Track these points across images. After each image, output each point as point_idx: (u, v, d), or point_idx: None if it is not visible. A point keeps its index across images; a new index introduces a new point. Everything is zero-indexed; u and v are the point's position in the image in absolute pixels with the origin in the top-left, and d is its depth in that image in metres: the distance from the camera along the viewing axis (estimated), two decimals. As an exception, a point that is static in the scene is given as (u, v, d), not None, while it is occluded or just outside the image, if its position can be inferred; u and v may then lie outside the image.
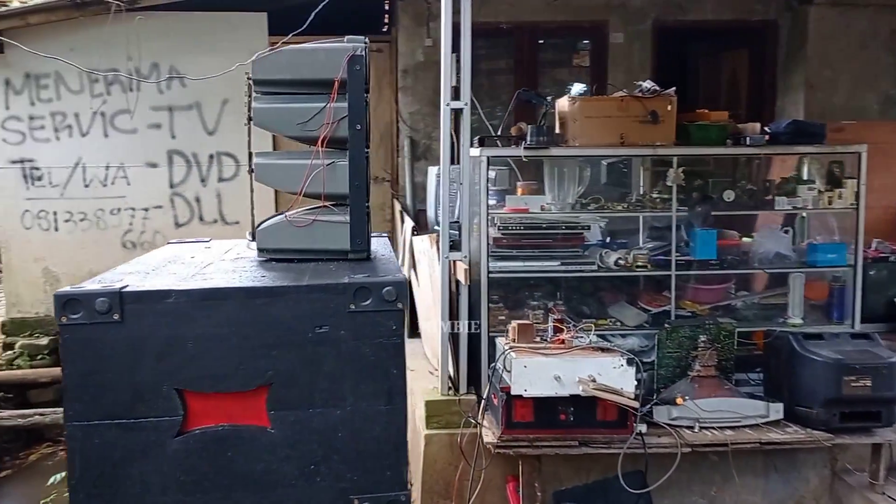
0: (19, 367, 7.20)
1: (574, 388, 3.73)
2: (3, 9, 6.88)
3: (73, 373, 1.70)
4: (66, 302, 1.69)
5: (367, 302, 1.78)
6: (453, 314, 4.43)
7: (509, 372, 3.78)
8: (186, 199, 7.57)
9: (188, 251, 2.48)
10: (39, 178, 7.36)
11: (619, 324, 4.62)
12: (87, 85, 7.31)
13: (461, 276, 4.27)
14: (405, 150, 7.80)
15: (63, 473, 4.98)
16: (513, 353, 3.81)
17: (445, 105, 4.25)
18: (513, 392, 3.76)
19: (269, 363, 1.77)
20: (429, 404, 4.39)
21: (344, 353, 1.78)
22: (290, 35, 6.79)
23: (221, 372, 1.76)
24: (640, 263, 4.55)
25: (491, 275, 4.38)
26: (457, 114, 4.24)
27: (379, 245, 2.51)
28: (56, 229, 7.42)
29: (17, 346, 7.34)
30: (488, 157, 4.34)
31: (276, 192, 7.67)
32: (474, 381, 4.42)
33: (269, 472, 1.78)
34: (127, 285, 1.75)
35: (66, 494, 1.73)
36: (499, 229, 4.49)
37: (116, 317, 1.70)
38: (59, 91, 7.30)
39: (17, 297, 7.52)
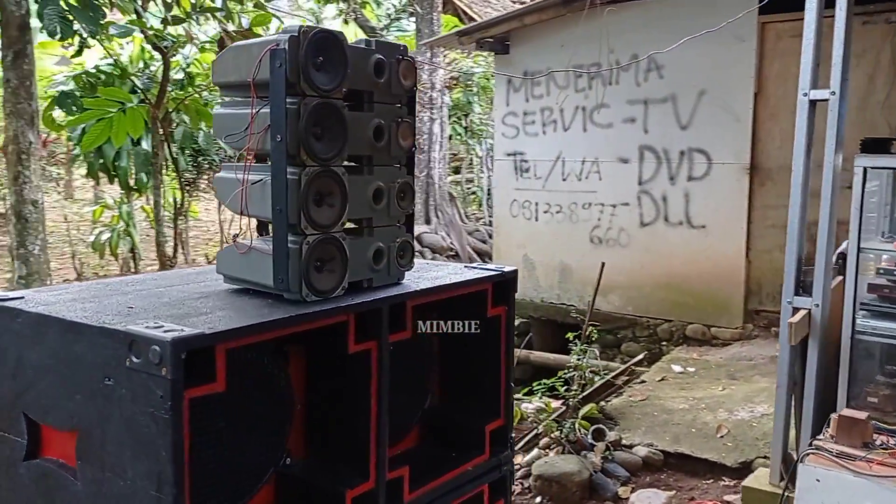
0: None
1: (894, 533, 2.41)
2: (505, 12, 7.45)
3: (-36, 375, 1.77)
4: (-46, 307, 1.75)
5: (139, 360, 1.42)
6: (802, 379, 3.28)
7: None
8: (653, 197, 7.17)
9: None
10: (526, 171, 7.84)
11: None
12: (572, 80, 7.46)
13: (795, 331, 3.10)
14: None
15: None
16: (810, 456, 2.63)
17: (803, 95, 3.11)
18: (796, 511, 2.61)
19: (74, 407, 1.56)
20: (746, 492, 3.35)
21: (125, 416, 1.47)
22: (740, 13, 5.82)
23: (47, 404, 1.62)
24: None
25: (859, 335, 3.09)
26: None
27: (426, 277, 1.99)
28: (536, 219, 7.83)
29: (493, 322, 8.01)
30: (865, 168, 3.03)
31: (749, 193, 6.75)
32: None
33: (72, 528, 1.59)
34: (15, 298, 1.74)
35: None
36: (880, 272, 3.11)
37: (-12, 328, 1.71)
38: (549, 87, 7.62)
39: (502, 279, 8.17)
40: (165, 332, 1.42)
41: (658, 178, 7.11)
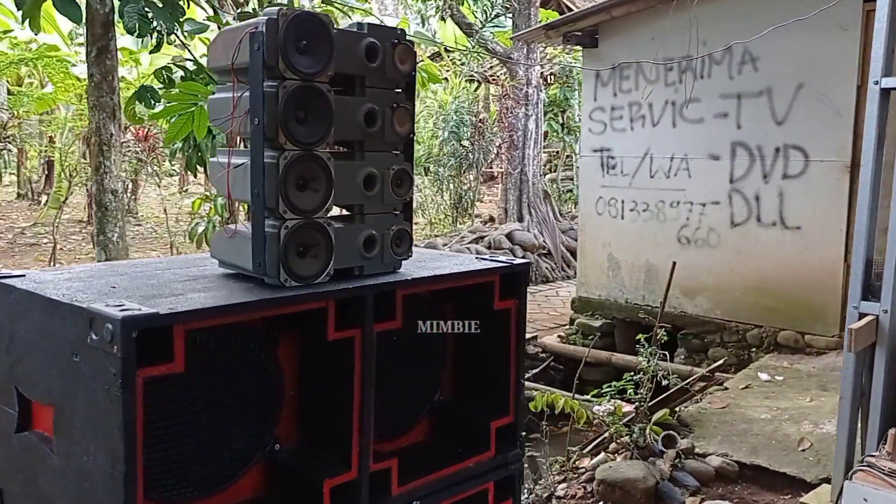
0: (573, 343, 7.71)
1: (948, 564, 2.19)
2: (592, 5, 7.27)
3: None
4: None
5: (97, 337, 1.45)
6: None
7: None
8: (745, 196, 6.83)
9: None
10: (613, 167, 7.63)
11: None
12: (662, 74, 7.20)
13: (856, 338, 2.87)
14: None
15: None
16: (859, 474, 2.42)
17: (873, 83, 2.87)
18: (841, 533, 2.41)
19: (51, 382, 1.61)
20: (805, 508, 3.13)
21: (89, 392, 1.49)
22: None
23: (34, 379, 1.68)
24: None
25: (934, 346, 2.83)
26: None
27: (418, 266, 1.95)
28: (622, 217, 7.61)
29: (575, 322, 7.87)
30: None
31: (850, 192, 6.32)
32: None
33: (47, 499, 1.64)
34: (16, 276, 1.81)
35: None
36: (960, 277, 2.83)
37: (-12, 303, 1.79)
38: (638, 81, 7.38)
39: (586, 278, 8.01)
40: (121, 310, 1.43)
41: (751, 176, 6.77)
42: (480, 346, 2.22)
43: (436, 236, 11.20)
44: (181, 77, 4.79)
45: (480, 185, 12.29)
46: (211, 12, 4.66)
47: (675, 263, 5.60)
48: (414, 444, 2.20)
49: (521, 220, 11.86)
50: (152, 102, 4.66)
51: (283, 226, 1.69)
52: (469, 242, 10.92)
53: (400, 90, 1.91)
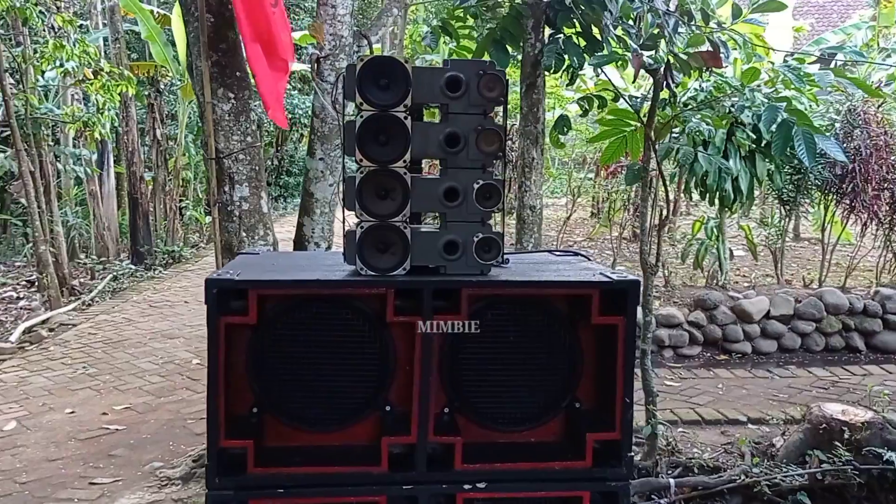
0: None
1: None
2: None
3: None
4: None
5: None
6: None
7: None
8: None
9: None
10: None
11: None
12: None
13: None
14: None
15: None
16: None
17: None
18: None
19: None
20: None
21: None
22: None
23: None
24: None
25: None
26: None
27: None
28: None
29: None
30: None
31: None
32: None
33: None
34: (253, 253, 2.62)
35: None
36: None
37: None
38: None
39: None
40: (217, 276, 2.09)
41: None
42: (602, 360, 2.27)
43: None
44: (597, 106, 5.29)
45: None
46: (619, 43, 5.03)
47: None
48: (536, 442, 2.35)
49: None
50: (565, 130, 5.26)
51: (359, 226, 2.13)
52: None
53: (486, 114, 2.15)
